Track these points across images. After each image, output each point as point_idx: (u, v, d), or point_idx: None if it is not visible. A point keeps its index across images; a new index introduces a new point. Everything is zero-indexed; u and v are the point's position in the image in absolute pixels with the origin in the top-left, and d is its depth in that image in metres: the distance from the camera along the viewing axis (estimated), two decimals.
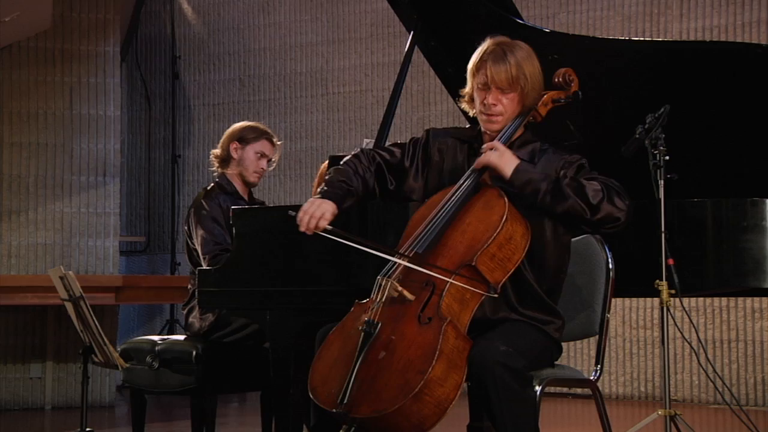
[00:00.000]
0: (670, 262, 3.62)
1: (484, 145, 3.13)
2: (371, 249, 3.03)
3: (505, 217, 2.99)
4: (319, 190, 3.19)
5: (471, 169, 3.14)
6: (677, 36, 7.07)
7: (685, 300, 3.69)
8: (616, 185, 3.07)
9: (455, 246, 3.01)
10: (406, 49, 4.47)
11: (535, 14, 7.51)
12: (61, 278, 4.14)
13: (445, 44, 4.53)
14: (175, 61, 8.64)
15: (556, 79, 3.27)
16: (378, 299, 2.97)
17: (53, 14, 6.90)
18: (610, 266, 3.42)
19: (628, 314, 7.16)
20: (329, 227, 3.06)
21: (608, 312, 3.42)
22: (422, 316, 2.90)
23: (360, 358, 2.84)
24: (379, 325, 2.90)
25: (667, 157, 3.63)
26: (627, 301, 7.11)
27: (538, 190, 3.03)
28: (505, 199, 3.03)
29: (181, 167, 8.45)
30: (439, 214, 3.06)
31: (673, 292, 3.63)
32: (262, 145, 4.57)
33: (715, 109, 4.14)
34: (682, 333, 4.14)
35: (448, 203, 3.08)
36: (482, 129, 3.23)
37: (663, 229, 3.64)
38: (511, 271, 3.01)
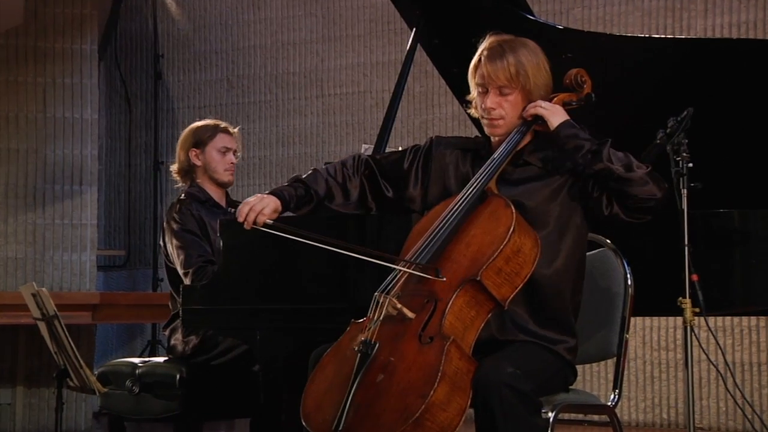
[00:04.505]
0: (695, 278, 3.63)
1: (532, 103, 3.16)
2: (321, 244, 3.11)
3: (512, 228, 3.00)
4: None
5: (520, 126, 3.17)
6: (701, 33, 7.08)
7: (711, 319, 3.70)
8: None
9: (459, 260, 3.02)
10: (407, 48, 4.49)
11: (548, 9, 7.52)
12: (34, 295, 4.14)
13: (449, 42, 4.55)
14: (157, 59, 8.65)
15: (567, 81, 3.29)
16: (375, 317, 2.98)
17: (25, 9, 6.92)
18: (629, 282, 3.43)
19: (649, 334, 7.16)
20: (269, 222, 3.15)
21: (627, 332, 3.42)
22: (423, 335, 2.91)
23: (356, 381, 2.85)
24: (377, 345, 2.91)
25: (691, 165, 3.64)
26: (647, 320, 7.10)
27: (581, 147, 3.09)
28: (512, 209, 3.04)
29: (164, 175, 8.45)
30: (441, 225, 3.08)
31: (697, 310, 3.64)
32: (221, 140, 4.57)
33: (742, 112, 4.16)
34: (707, 355, 4.14)
35: (451, 213, 3.09)
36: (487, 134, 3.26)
37: (686, 243, 3.64)
38: (520, 286, 3.02)
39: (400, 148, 3.49)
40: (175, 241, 4.38)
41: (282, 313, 3.83)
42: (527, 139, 3.23)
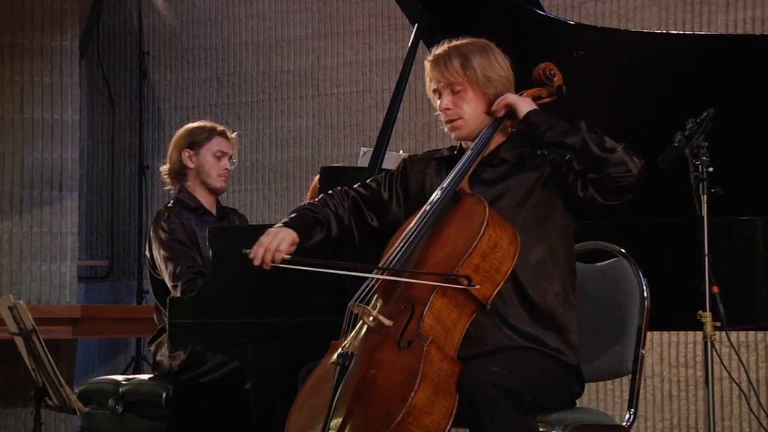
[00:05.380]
0: (715, 289, 3.63)
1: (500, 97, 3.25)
2: (346, 271, 3.16)
3: (485, 222, 3.06)
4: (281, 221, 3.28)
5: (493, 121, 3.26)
6: (722, 29, 7.09)
7: (733, 334, 3.71)
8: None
9: (435, 261, 3.09)
10: (409, 45, 4.50)
11: (559, 3, 7.53)
12: (11, 309, 4.15)
13: (454, 39, 4.55)
14: (142, 57, 8.66)
15: (536, 76, 3.37)
16: (352, 330, 3.06)
17: (1, 2, 6.92)
18: (645, 294, 3.43)
19: (667, 350, 7.16)
20: (287, 257, 3.12)
21: (643, 347, 3.43)
22: (402, 340, 2.97)
23: (337, 396, 2.89)
24: (354, 356, 2.96)
25: (711, 169, 3.65)
26: (665, 334, 7.10)
27: (553, 127, 3.16)
28: (485, 204, 3.12)
29: (150, 180, 8.46)
30: (413, 230, 3.15)
31: (718, 324, 3.64)
32: (218, 144, 4.61)
33: (766, 113, 4.16)
34: (729, 372, 4.14)
35: (423, 217, 3.17)
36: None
37: (707, 252, 3.65)
38: (501, 283, 3.08)
39: (401, 152, 3.53)
40: (162, 252, 4.39)
41: (276, 327, 3.83)
42: (501, 138, 3.32)
